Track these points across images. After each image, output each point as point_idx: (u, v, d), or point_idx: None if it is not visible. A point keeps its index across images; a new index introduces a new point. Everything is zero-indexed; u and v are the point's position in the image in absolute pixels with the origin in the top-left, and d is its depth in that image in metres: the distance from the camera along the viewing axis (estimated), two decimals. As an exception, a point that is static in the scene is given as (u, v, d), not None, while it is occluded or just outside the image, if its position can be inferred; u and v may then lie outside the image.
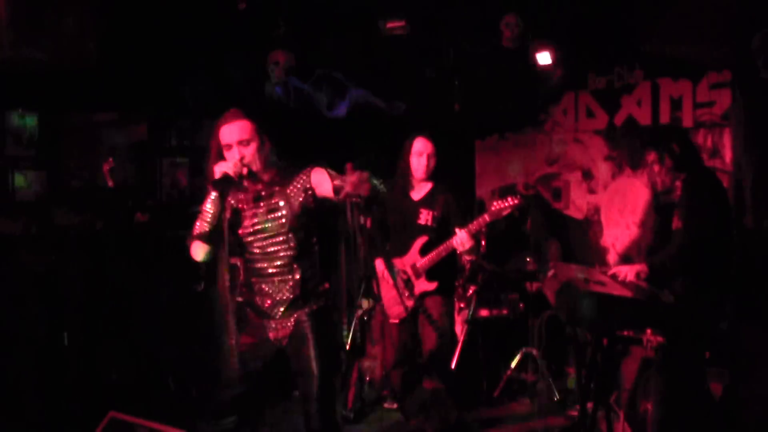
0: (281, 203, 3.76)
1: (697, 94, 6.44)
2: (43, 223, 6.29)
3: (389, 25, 5.98)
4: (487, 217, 4.90)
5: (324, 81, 6.00)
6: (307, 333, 3.82)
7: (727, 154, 6.00)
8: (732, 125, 5.07)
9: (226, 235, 3.64)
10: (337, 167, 3.77)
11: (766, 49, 4.46)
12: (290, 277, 3.79)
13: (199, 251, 3.75)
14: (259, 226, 3.78)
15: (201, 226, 3.70)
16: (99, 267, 6.52)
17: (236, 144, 3.66)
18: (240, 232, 3.80)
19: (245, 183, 3.67)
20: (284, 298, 3.80)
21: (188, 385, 6.63)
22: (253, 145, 3.69)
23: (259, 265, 3.83)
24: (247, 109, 3.78)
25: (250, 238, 3.81)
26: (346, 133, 7.62)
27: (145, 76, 6.26)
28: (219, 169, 3.58)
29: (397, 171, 5.30)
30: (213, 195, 3.66)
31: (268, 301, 3.83)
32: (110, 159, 6.34)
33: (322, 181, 3.72)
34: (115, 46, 5.73)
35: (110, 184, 6.55)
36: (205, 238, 3.70)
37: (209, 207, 3.68)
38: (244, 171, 3.61)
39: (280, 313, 3.82)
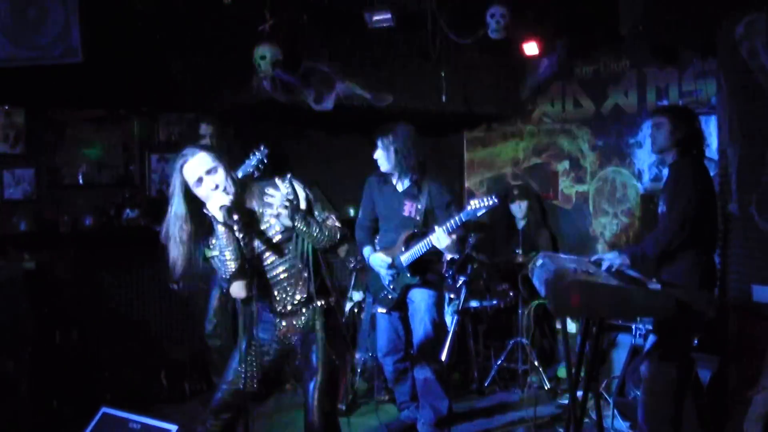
0: (272, 221, 3.73)
1: (683, 82, 6.47)
2: (32, 221, 6.28)
3: (376, 17, 5.98)
4: (462, 216, 4.83)
5: (311, 74, 5.99)
6: (316, 330, 3.85)
7: (713, 142, 6.04)
8: (718, 113, 5.09)
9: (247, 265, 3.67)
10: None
11: (750, 37, 4.48)
12: (300, 277, 3.81)
13: (242, 290, 3.71)
14: (262, 246, 3.76)
15: (228, 267, 3.64)
16: (89, 264, 6.52)
17: (204, 174, 3.56)
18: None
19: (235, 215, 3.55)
20: (296, 298, 3.83)
21: (181, 381, 6.65)
22: (221, 171, 3.59)
23: (270, 274, 3.82)
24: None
25: (256, 256, 3.78)
26: (333, 126, 7.63)
27: (131, 72, 6.25)
28: (214, 206, 3.53)
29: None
30: (224, 232, 3.59)
31: (281, 300, 3.85)
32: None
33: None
34: (101, 43, 5.72)
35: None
36: (241, 275, 3.66)
37: (226, 246, 3.61)
38: (228, 201, 3.54)
39: (291, 311, 3.86)
